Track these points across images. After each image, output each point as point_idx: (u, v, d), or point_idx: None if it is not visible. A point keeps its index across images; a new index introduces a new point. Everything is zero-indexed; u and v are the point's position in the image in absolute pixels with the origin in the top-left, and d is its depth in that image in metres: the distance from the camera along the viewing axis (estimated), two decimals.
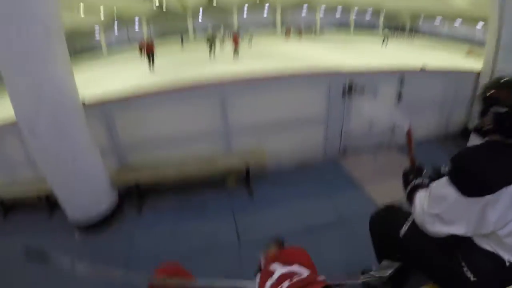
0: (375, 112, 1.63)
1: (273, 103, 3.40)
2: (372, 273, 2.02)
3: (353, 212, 2.97)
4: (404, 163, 1.69)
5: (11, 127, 2.98)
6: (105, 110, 3.07)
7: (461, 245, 1.18)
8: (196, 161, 3.24)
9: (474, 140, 1.26)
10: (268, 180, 3.58)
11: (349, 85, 3.44)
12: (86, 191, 2.80)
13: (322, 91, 3.48)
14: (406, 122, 1.51)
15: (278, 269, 0.87)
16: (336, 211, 3.04)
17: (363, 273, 2.12)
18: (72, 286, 2.59)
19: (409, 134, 1.54)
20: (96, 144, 2.90)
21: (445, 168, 1.23)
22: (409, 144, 1.54)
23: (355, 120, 3.72)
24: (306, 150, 3.82)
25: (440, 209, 1.13)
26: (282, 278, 0.82)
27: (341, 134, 3.79)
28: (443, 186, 1.12)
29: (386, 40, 22.08)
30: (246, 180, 3.42)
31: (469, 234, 1.12)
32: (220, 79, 3.27)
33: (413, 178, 1.45)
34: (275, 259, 0.92)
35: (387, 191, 2.92)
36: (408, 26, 28.01)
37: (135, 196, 3.29)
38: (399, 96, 3.64)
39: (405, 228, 1.42)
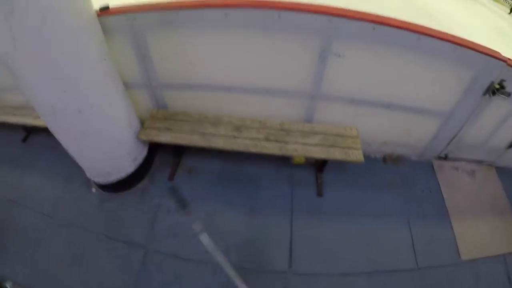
0: None
1: (391, 71, 2.11)
2: None
3: (430, 259, 2.25)
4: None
5: None
6: (133, 25, 1.96)
7: None
8: (257, 129, 2.22)
9: None
10: (346, 173, 2.55)
11: (500, 82, 2.14)
12: (102, 151, 2.02)
13: (465, 76, 2.14)
14: None
15: None
16: (412, 251, 2.27)
17: None
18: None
19: None
20: (118, 84, 1.95)
21: None
22: None
23: (478, 125, 2.52)
24: (403, 144, 2.67)
25: None
26: None
27: (453, 137, 2.61)
28: None
29: None
30: (319, 168, 2.41)
31: None
32: (332, 9, 1.89)
33: None
34: None
35: (476, 239, 2.44)
36: None
37: (170, 153, 2.47)
38: None
39: None
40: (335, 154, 2.09)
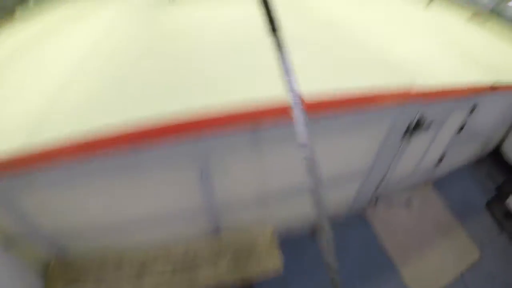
0: None
1: (287, 162, 1.88)
2: None
3: None
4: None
5: None
6: None
7: None
8: (162, 262, 2.00)
9: None
10: None
11: (417, 120, 1.98)
12: None
13: (377, 133, 1.96)
14: None
15: None
16: None
17: None
18: None
19: None
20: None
21: None
22: None
23: (403, 163, 2.37)
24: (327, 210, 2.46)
25: None
26: None
27: (380, 183, 2.46)
28: None
29: None
30: None
31: None
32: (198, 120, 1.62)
33: None
34: None
35: (428, 273, 2.32)
36: None
37: None
38: (462, 127, 2.41)
39: None
40: (250, 275, 1.88)
